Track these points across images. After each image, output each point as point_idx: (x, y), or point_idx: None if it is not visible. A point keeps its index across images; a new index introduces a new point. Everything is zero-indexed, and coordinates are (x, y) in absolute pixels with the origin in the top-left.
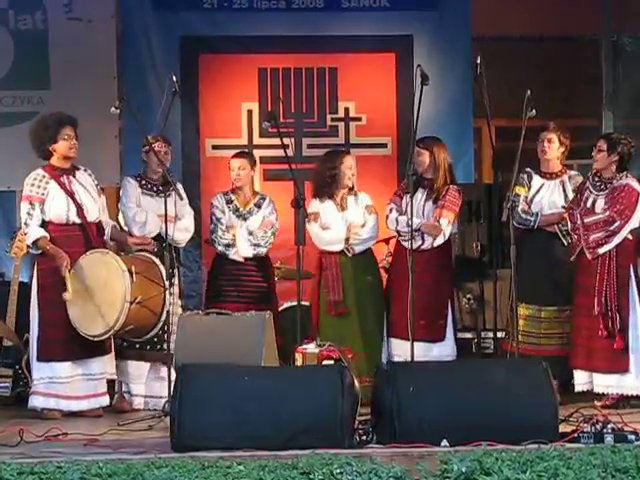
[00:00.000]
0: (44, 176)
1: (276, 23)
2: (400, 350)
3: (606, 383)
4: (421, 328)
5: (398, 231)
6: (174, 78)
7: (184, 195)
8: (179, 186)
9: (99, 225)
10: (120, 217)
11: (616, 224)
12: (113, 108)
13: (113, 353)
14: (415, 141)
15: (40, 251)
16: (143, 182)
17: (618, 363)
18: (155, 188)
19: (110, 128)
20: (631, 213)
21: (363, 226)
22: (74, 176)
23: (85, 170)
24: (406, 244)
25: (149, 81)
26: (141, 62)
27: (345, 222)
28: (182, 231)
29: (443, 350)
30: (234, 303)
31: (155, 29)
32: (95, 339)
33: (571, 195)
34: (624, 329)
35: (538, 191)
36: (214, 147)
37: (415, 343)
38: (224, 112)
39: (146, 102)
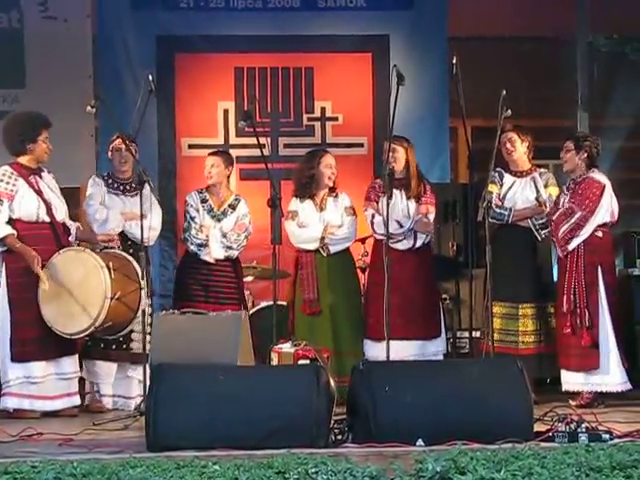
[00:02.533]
0: (12, 173)
1: (252, 22)
2: (377, 352)
3: (577, 381)
4: (417, 326)
5: (390, 234)
6: (150, 77)
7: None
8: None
9: (65, 226)
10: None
11: (577, 215)
12: (89, 107)
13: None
14: (389, 139)
15: (5, 248)
16: (110, 181)
17: (587, 360)
18: (122, 187)
19: (86, 127)
20: (594, 205)
21: (340, 227)
22: (40, 177)
23: (49, 172)
24: (399, 245)
25: (125, 80)
26: (117, 61)
27: (322, 222)
28: (146, 229)
29: (439, 346)
30: (203, 303)
31: (131, 28)
32: (73, 337)
33: (542, 190)
34: (592, 326)
35: (510, 187)
36: (190, 146)
37: (411, 341)
38: (200, 111)
39: (122, 101)
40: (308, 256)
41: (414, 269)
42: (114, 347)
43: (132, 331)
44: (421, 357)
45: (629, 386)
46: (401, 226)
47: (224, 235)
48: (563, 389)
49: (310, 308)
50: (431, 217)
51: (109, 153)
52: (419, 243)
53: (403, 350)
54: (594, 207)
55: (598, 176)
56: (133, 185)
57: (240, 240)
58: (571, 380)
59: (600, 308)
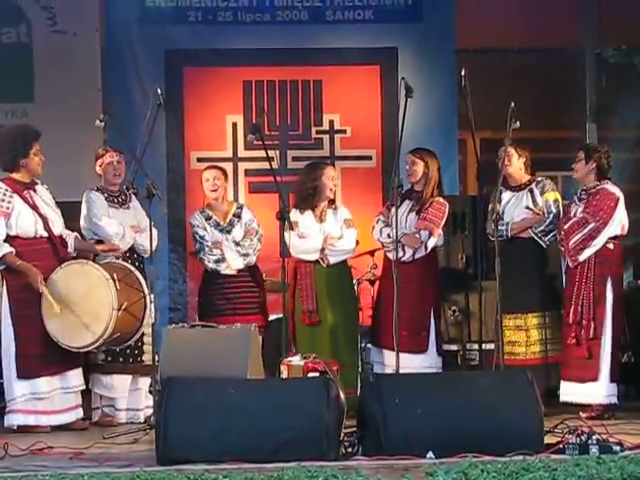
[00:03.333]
0: (7, 190)
1: (261, 36)
2: (388, 360)
3: (578, 392)
4: (404, 339)
5: (381, 242)
6: (159, 91)
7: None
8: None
9: (62, 239)
10: (85, 233)
11: (590, 226)
12: (98, 121)
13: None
14: (409, 150)
15: (4, 266)
16: (105, 195)
17: (587, 372)
18: (117, 200)
19: (94, 141)
20: (607, 216)
21: (340, 239)
22: (34, 191)
23: (42, 184)
24: (389, 255)
25: (134, 94)
26: (126, 75)
27: (322, 233)
28: (154, 241)
29: (425, 361)
30: (231, 316)
31: (140, 42)
32: (81, 350)
33: (539, 198)
34: (596, 338)
35: (507, 202)
36: (199, 160)
37: (400, 354)
38: (209, 125)
39: (131, 115)
40: (307, 267)
41: (404, 281)
42: (131, 360)
43: (143, 343)
44: (406, 370)
45: (615, 400)
46: (389, 236)
47: (237, 244)
48: (561, 400)
49: (309, 318)
50: (424, 234)
51: (98, 168)
52: (407, 256)
53: (391, 360)
54: (608, 219)
55: (612, 188)
56: (123, 198)
57: (254, 244)
58: (574, 392)
59: (605, 320)
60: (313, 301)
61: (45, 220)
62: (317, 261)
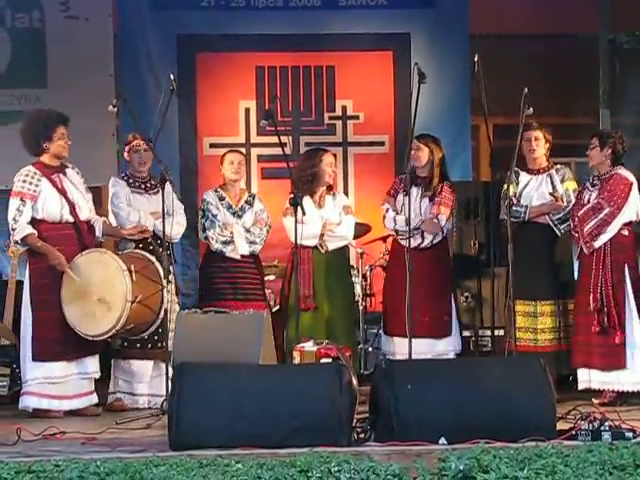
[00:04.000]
0: (35, 173)
1: (273, 21)
2: (399, 348)
3: (603, 380)
4: (425, 325)
5: (397, 230)
6: (171, 76)
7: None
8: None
9: (90, 224)
10: (111, 218)
11: (605, 211)
12: (110, 106)
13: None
14: (414, 137)
15: (27, 247)
16: (130, 181)
17: (615, 359)
18: (143, 186)
19: (107, 126)
20: (622, 201)
21: (339, 224)
22: (64, 174)
23: (73, 168)
24: (405, 243)
25: (146, 80)
26: (138, 61)
27: (321, 219)
28: (175, 225)
29: (449, 345)
30: (232, 301)
31: (152, 27)
32: (95, 339)
33: (559, 186)
34: (620, 324)
35: (526, 185)
36: (212, 145)
37: (420, 340)
38: (221, 110)
39: (143, 101)
40: (306, 252)
41: (423, 267)
42: (150, 346)
43: (165, 329)
44: (430, 355)
45: None
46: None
47: (247, 230)
48: (580, 387)
49: (305, 304)
50: (442, 218)
51: (125, 154)
52: (426, 242)
53: (403, 347)
54: (622, 204)
55: (626, 172)
56: (152, 183)
57: (263, 234)
58: (599, 379)
59: (627, 307)
60: (310, 287)
61: (72, 205)
62: (316, 247)
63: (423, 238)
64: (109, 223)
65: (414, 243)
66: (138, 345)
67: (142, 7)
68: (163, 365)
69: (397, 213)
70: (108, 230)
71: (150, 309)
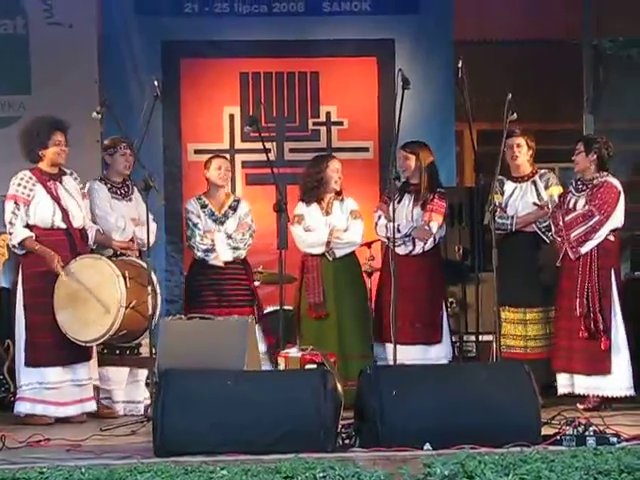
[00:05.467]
0: (31, 178)
1: (257, 27)
2: (390, 355)
3: (586, 385)
4: (418, 331)
5: (388, 238)
6: (156, 82)
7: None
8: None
9: (83, 231)
10: (100, 222)
11: (595, 219)
12: (95, 113)
13: (95, 358)
14: (400, 146)
15: (24, 251)
16: (109, 186)
17: (599, 364)
18: (119, 191)
19: (92, 133)
20: (611, 209)
21: (346, 231)
22: (60, 182)
23: (71, 174)
24: (398, 250)
25: (131, 85)
26: (123, 66)
27: (328, 226)
28: (151, 234)
29: (440, 352)
30: (216, 308)
31: (137, 33)
32: (87, 344)
33: (543, 193)
34: (606, 330)
35: (511, 195)
36: (196, 151)
37: (413, 346)
38: (206, 116)
39: (128, 107)
40: (314, 260)
41: (416, 274)
42: (127, 352)
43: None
44: (422, 362)
45: (633, 392)
46: (399, 231)
47: (229, 237)
48: (559, 392)
49: (316, 312)
50: (434, 225)
51: (108, 157)
52: (418, 249)
53: (405, 354)
54: (611, 212)
55: (615, 181)
56: (127, 189)
57: (246, 239)
58: (583, 385)
59: (613, 312)
60: (320, 295)
61: (65, 212)
62: (324, 254)
63: (414, 245)
64: (102, 232)
65: (406, 250)
66: (117, 352)
67: (126, 13)
68: (139, 371)
69: (389, 220)
70: (100, 239)
71: (143, 316)
